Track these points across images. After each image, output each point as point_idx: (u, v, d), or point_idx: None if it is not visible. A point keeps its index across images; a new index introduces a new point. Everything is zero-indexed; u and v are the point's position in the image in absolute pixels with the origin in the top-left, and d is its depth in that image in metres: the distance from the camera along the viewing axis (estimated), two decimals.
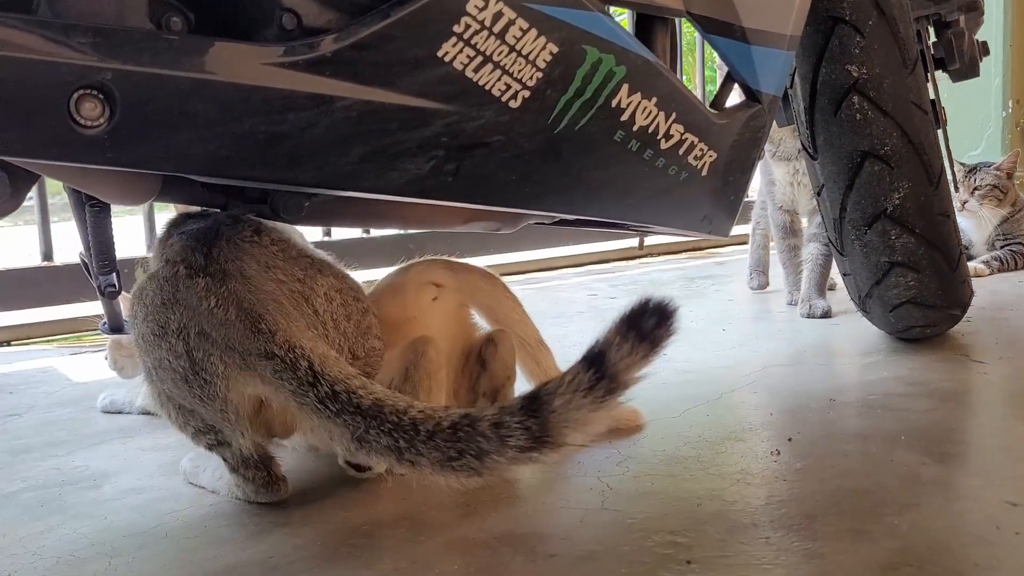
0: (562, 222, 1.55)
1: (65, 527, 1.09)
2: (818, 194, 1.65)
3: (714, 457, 1.20)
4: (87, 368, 2.04)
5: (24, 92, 0.74)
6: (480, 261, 3.38)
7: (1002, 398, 1.46)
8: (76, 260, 2.52)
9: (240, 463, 1.09)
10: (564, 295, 2.82)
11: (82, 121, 0.78)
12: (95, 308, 2.50)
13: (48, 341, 2.47)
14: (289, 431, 1.10)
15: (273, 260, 1.08)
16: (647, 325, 0.84)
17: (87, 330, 2.50)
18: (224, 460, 1.11)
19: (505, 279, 3.21)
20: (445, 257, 1.37)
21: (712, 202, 1.38)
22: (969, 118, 3.90)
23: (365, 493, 1.14)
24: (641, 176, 1.24)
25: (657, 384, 1.62)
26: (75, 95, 0.77)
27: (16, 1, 0.79)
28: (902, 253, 1.57)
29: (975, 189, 2.81)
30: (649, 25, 1.23)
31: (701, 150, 1.28)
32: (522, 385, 1.35)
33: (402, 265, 1.36)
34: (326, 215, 1.27)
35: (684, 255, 3.73)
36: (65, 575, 0.95)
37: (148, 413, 1.58)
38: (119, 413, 1.62)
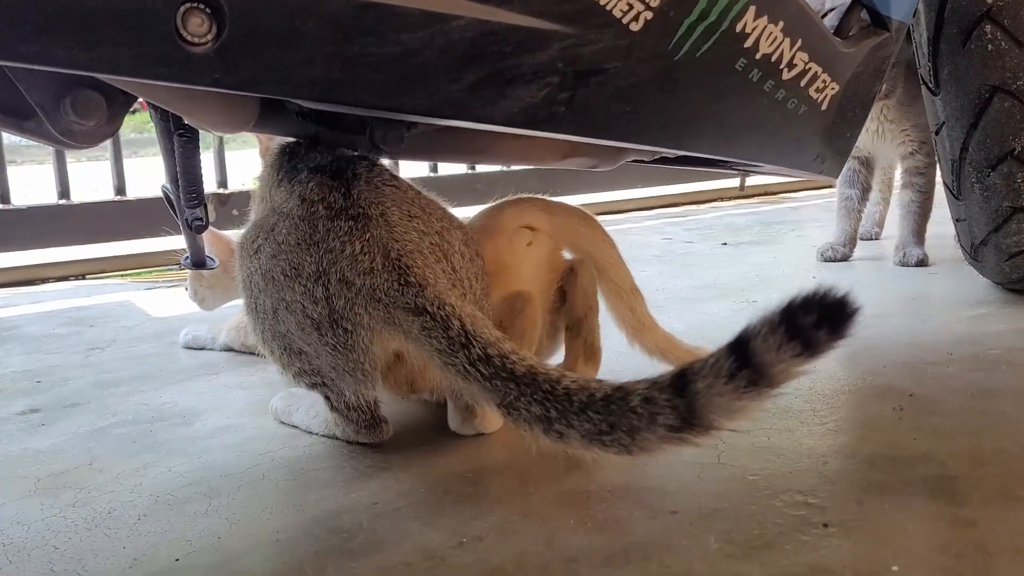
0: (661, 160, 1.47)
1: (160, 464, 1.06)
2: (936, 133, 1.53)
3: (830, 412, 1.13)
4: (164, 303, 2.04)
5: (129, 5, 0.68)
6: None
7: None
8: (148, 195, 2.53)
9: (344, 404, 1.06)
10: (637, 239, 2.73)
11: (189, 37, 0.72)
12: (167, 243, 2.50)
13: (122, 275, 2.47)
14: (415, 389, 1.06)
15: (412, 208, 1.03)
16: (804, 322, 0.71)
17: (160, 265, 2.50)
18: (326, 398, 1.08)
19: None
20: (539, 196, 1.30)
21: (828, 140, 1.29)
22: None
23: (465, 439, 1.09)
24: (758, 109, 1.15)
25: None
26: (182, 8, 0.71)
27: None
28: None
29: None
30: None
31: (824, 82, 1.19)
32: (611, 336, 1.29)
33: (495, 203, 1.29)
34: (422, 149, 1.21)
35: (756, 199, 3.61)
36: (164, 515, 0.93)
37: (231, 350, 1.57)
38: (201, 349, 1.60)
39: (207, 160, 2.70)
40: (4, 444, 1.16)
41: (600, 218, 3.51)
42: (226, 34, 0.73)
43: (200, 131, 1.16)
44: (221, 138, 2.60)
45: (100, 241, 2.49)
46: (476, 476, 0.98)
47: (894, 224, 2.22)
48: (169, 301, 2.05)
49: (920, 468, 0.94)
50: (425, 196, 1.10)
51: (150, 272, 2.50)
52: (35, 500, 0.98)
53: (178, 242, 2.38)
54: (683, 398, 0.76)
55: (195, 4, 0.71)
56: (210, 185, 2.61)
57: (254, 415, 1.23)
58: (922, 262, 2.01)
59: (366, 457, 1.06)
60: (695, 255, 2.39)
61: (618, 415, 0.80)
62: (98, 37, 0.68)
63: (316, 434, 1.13)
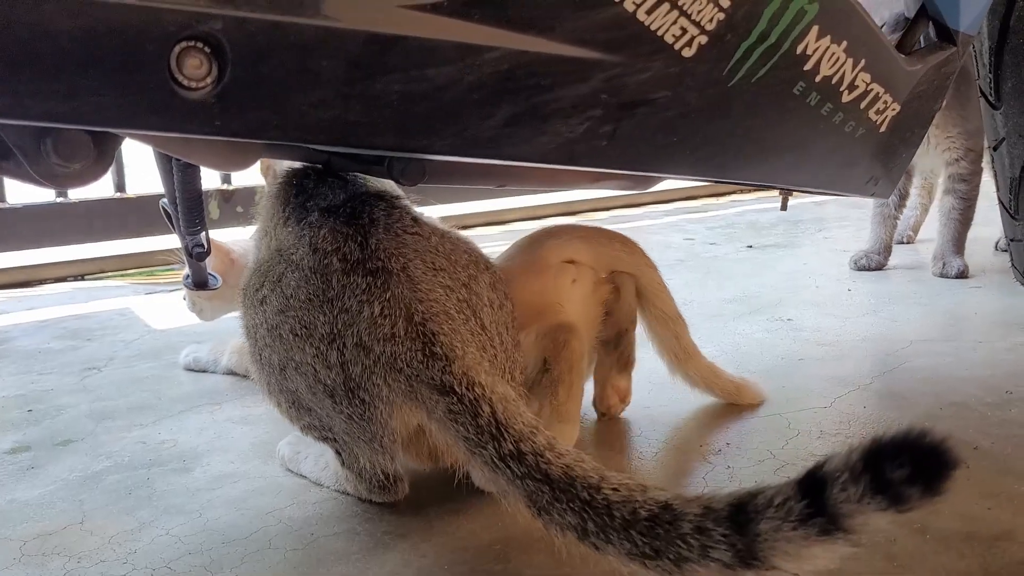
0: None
1: (156, 525, 0.97)
2: (994, 148, 1.42)
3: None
4: (164, 312, 1.94)
5: (114, 46, 0.58)
6: (561, 195, 3.20)
7: None
8: (149, 192, 2.42)
9: (357, 466, 0.96)
10: (658, 238, 2.63)
11: (185, 82, 0.61)
12: (168, 242, 2.41)
13: (122, 275, 2.38)
14: (437, 461, 0.96)
15: (437, 258, 0.93)
16: (895, 475, 0.60)
17: (160, 264, 2.40)
18: (337, 453, 0.98)
19: (590, 216, 3.04)
20: (577, 225, 1.21)
21: (883, 161, 1.18)
22: None
23: (488, 497, 1.00)
24: (813, 135, 1.04)
25: (791, 358, 1.46)
26: (177, 48, 0.60)
27: None
28: None
29: None
30: None
31: (884, 103, 1.08)
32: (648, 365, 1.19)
33: (533, 236, 1.20)
34: (443, 176, 1.11)
35: (776, 194, 3.49)
36: None
37: (233, 373, 1.47)
38: (203, 372, 1.51)
39: None
40: None
41: (619, 211, 3.38)
42: (228, 76, 0.63)
43: None
44: None
45: (99, 240, 2.39)
46: (503, 550, 0.89)
47: (929, 229, 2.12)
48: (169, 309, 1.95)
49: (1001, 551, 0.85)
50: (450, 238, 0.99)
51: (151, 272, 2.41)
52: (20, 570, 0.89)
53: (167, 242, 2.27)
54: (743, 536, 0.66)
55: (192, 43, 0.61)
56: (214, 181, 2.51)
57: (259, 459, 1.14)
58: (962, 274, 1.91)
59: (382, 521, 0.96)
60: (720, 260, 2.29)
61: (665, 540, 0.69)
62: (78, 85, 0.58)
63: (326, 487, 1.04)
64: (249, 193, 2.51)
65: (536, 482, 0.77)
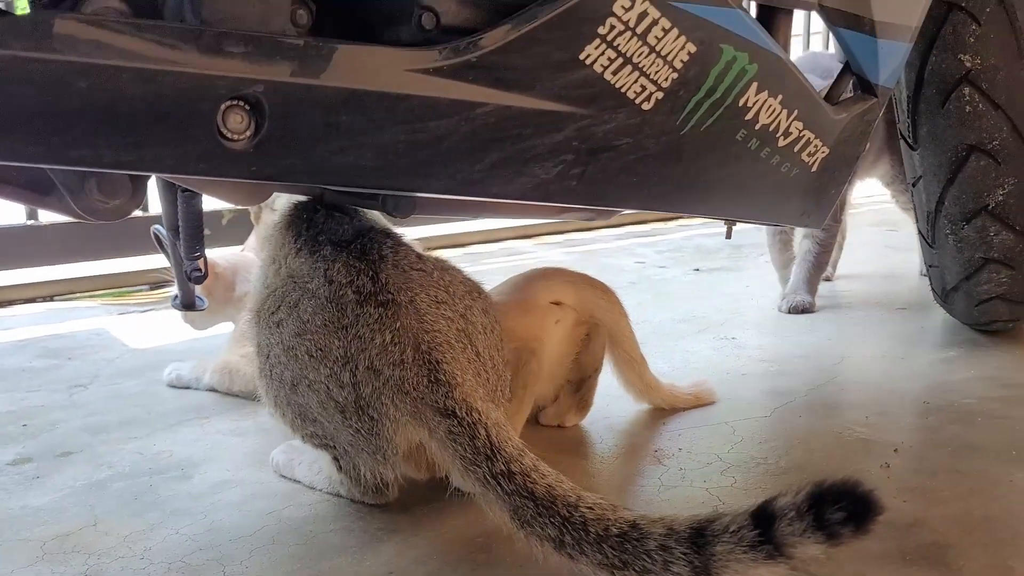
0: None
1: (166, 526, 1.06)
2: (913, 185, 1.59)
3: (824, 464, 1.17)
4: (141, 332, 2.01)
5: (175, 106, 0.69)
6: (518, 221, 3.33)
7: None
8: None
9: (356, 473, 1.07)
10: (610, 261, 2.77)
11: (228, 134, 0.73)
12: (137, 263, 2.47)
13: (92, 296, 2.43)
14: (433, 472, 1.06)
15: (438, 292, 1.04)
16: (832, 517, 0.76)
17: (131, 285, 2.47)
18: (334, 459, 1.08)
19: (543, 240, 3.16)
20: (564, 269, 1.35)
21: (815, 197, 1.33)
22: None
23: (462, 497, 1.10)
24: (755, 174, 1.19)
25: (735, 373, 1.60)
26: (223, 106, 0.72)
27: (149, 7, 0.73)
28: (999, 250, 1.53)
29: None
30: (772, 17, 1.17)
31: (815, 147, 1.23)
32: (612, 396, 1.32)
33: (528, 276, 1.33)
34: (429, 210, 1.22)
35: (723, 223, 3.67)
36: None
37: (214, 391, 1.56)
38: (186, 388, 1.59)
39: None
40: (2, 500, 1.14)
41: (571, 235, 3.49)
42: (264, 130, 0.74)
43: None
44: None
45: (70, 262, 2.44)
46: (487, 541, 1.00)
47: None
48: (145, 330, 2.02)
49: (914, 536, 0.99)
50: (448, 272, 1.10)
51: (120, 293, 2.46)
52: (44, 567, 0.97)
53: (149, 262, 2.35)
54: (700, 555, 0.80)
55: (236, 102, 0.72)
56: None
57: (253, 467, 1.23)
58: (806, 309, 1.99)
59: (374, 519, 1.07)
60: (669, 282, 2.44)
61: (632, 555, 0.82)
62: (144, 139, 0.69)
63: (319, 491, 1.14)
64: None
65: (522, 499, 0.89)
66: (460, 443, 0.93)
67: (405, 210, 1.04)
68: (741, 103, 1.08)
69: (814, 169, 1.27)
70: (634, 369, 1.36)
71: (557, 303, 1.27)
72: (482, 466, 0.91)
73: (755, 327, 1.92)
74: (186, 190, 1.15)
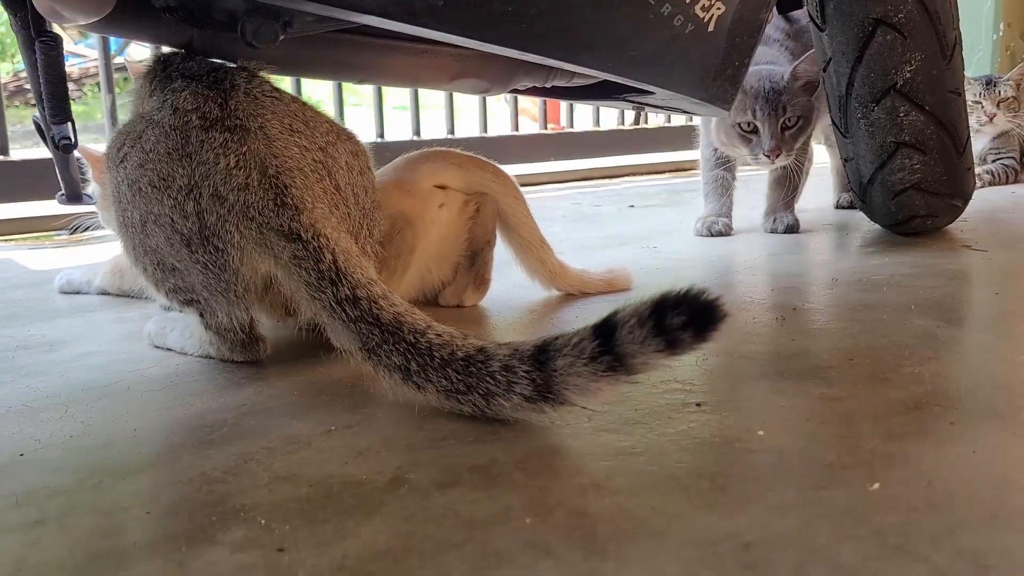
0: (555, 92, 1.46)
1: (18, 383, 1.00)
2: (824, 70, 1.56)
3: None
4: (47, 259, 1.94)
5: None
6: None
7: (1007, 277, 1.40)
8: (35, 155, 2.40)
9: (217, 323, 1.01)
10: (549, 204, 2.73)
11: None
12: (54, 208, 2.39)
13: (5, 239, 2.35)
14: (290, 314, 1.01)
15: (295, 122, 0.98)
16: (672, 321, 0.71)
17: (47, 230, 2.39)
18: (200, 315, 1.02)
19: None
20: (452, 150, 1.29)
21: (716, 64, 1.29)
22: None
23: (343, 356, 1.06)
24: (644, 24, 1.14)
25: (651, 269, 1.56)
26: None
27: None
28: (910, 132, 1.50)
29: (1000, 101, 2.71)
30: None
31: (709, 0, 1.19)
32: (518, 287, 1.28)
33: (409, 158, 1.28)
34: (302, 62, 1.17)
35: (668, 175, 3.65)
36: (15, 421, 0.87)
37: (106, 293, 1.49)
38: (76, 293, 1.52)
39: None
40: None
41: None
42: None
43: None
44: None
45: None
46: (355, 382, 0.95)
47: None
48: (51, 260, 1.95)
49: (796, 361, 0.95)
50: (311, 108, 1.05)
51: (37, 237, 2.38)
52: None
53: (67, 208, 2.26)
54: (542, 372, 0.76)
55: None
56: None
57: (128, 342, 1.17)
58: (792, 228, 1.89)
59: (241, 370, 1.01)
60: (603, 216, 2.40)
61: (476, 377, 0.78)
62: None
63: (191, 355, 1.08)
64: None
65: (368, 325, 0.84)
66: (305, 267, 0.88)
67: (265, 38, 0.98)
68: None
69: (711, 28, 1.23)
70: (533, 253, 1.31)
71: (442, 187, 1.23)
72: (327, 291, 0.86)
73: (679, 240, 1.88)
74: (44, 40, 1.09)
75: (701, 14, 1.20)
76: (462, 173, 1.26)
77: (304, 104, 1.05)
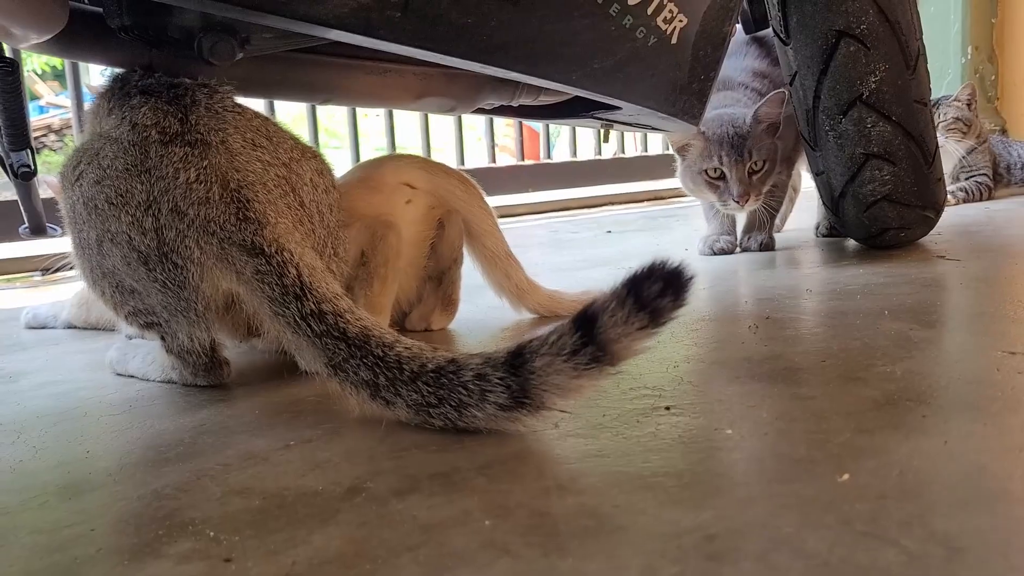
0: (523, 111, 1.46)
1: None
2: (791, 83, 1.57)
3: (689, 334, 1.12)
4: (16, 299, 1.90)
5: None
6: None
7: (980, 282, 1.40)
8: (5, 197, 2.38)
9: (178, 346, 0.98)
10: (527, 231, 2.73)
11: None
12: (25, 249, 2.36)
13: None
14: (253, 334, 0.99)
15: (257, 137, 0.97)
16: (650, 292, 0.70)
17: (18, 272, 2.35)
18: (161, 339, 1.00)
19: None
20: (420, 155, 1.28)
21: (682, 78, 1.29)
22: (928, 64, 3.88)
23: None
24: (606, 36, 1.14)
25: None
26: None
27: None
28: (878, 143, 1.50)
29: (939, 123, 2.76)
30: None
31: (671, 12, 1.19)
32: (484, 299, 1.26)
33: (373, 159, 1.27)
34: (263, 83, 1.16)
35: (647, 203, 3.67)
36: None
37: (73, 327, 1.47)
38: (43, 328, 1.49)
39: None
40: None
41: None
42: None
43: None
44: None
45: None
46: (319, 399, 0.93)
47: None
48: (21, 298, 1.92)
49: (768, 365, 0.94)
50: (274, 124, 1.04)
51: (7, 279, 2.35)
52: None
53: (38, 247, 2.23)
54: (517, 376, 0.73)
55: None
56: None
57: (90, 371, 1.14)
58: (767, 246, 1.89)
59: (203, 393, 0.99)
60: (579, 240, 2.40)
61: (448, 389, 0.76)
62: None
63: (153, 381, 1.06)
64: None
65: (334, 340, 0.82)
66: (268, 282, 0.86)
67: (222, 55, 0.97)
68: None
69: (674, 41, 1.23)
70: (499, 266, 1.28)
71: (408, 185, 1.21)
72: (291, 306, 0.84)
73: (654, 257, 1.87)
74: (3, 65, 1.08)
75: (664, 26, 1.20)
76: (427, 176, 1.24)
77: (267, 120, 1.03)
